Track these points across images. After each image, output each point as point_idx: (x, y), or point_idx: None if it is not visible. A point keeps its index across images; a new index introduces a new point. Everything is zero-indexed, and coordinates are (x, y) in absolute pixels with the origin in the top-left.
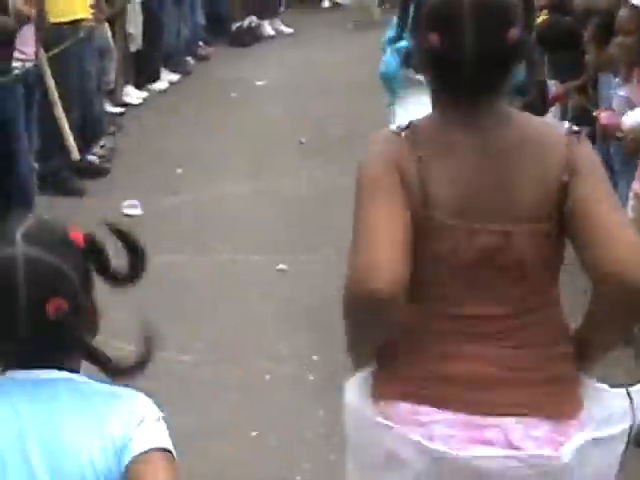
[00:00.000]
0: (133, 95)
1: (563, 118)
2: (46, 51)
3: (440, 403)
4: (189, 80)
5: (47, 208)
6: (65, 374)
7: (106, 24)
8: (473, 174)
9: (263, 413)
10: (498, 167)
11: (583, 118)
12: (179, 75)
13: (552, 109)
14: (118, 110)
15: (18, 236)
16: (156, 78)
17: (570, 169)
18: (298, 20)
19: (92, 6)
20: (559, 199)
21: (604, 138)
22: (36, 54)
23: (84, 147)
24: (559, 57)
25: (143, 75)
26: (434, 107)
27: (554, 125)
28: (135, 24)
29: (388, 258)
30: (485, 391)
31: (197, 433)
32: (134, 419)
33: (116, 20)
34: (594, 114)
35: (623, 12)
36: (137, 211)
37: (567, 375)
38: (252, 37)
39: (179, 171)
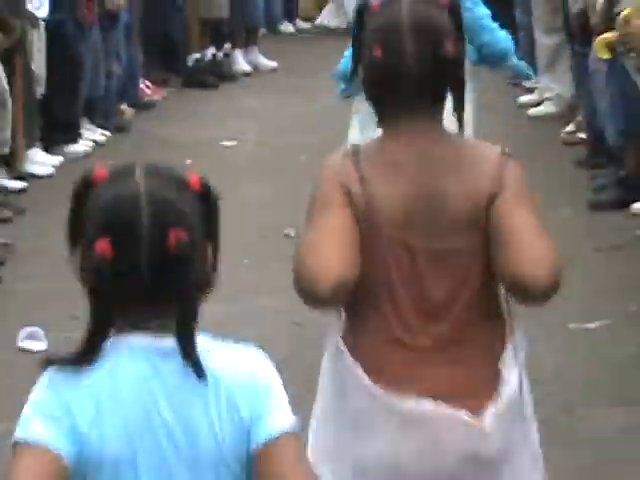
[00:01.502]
0: (41, 162)
1: None
2: None
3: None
4: (123, 139)
5: None
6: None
7: None
8: (412, 189)
9: None
10: (435, 182)
11: None
12: (108, 132)
13: None
14: (18, 185)
15: (138, 171)
16: (74, 137)
17: (499, 184)
18: (282, 49)
19: None
20: (486, 208)
21: None
22: None
23: None
24: None
25: (55, 133)
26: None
27: (488, 146)
28: (40, 60)
29: (336, 259)
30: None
31: None
32: (261, 391)
33: (14, 55)
34: None
35: None
36: (40, 344)
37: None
38: (218, 74)
39: None
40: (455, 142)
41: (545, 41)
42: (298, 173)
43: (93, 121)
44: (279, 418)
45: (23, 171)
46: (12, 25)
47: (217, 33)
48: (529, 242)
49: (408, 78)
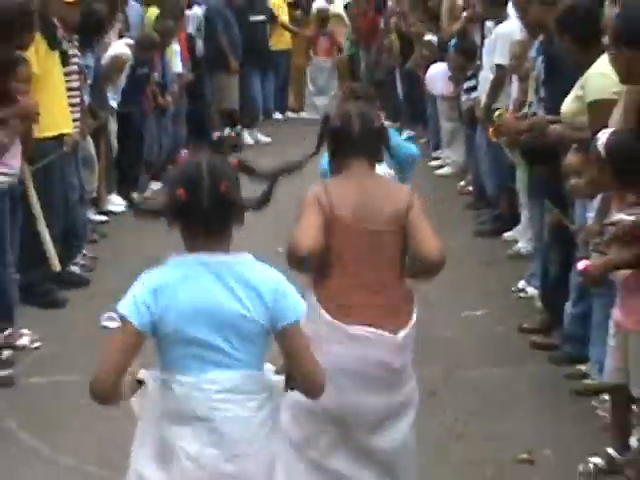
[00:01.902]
0: (116, 203)
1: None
2: (30, 164)
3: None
4: None
5: (28, 319)
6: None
7: (89, 136)
8: (356, 198)
9: None
10: (370, 195)
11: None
12: (161, 183)
13: None
14: (101, 218)
15: (202, 156)
16: (138, 186)
17: (411, 203)
18: (275, 130)
19: (76, 120)
20: (405, 214)
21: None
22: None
23: (66, 257)
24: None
25: (125, 183)
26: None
27: (399, 184)
28: (114, 135)
29: (309, 237)
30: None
31: None
32: (280, 291)
33: (100, 134)
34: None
35: (570, 155)
36: (115, 324)
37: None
38: (232, 145)
39: None
40: (379, 177)
41: (447, 126)
42: (284, 205)
43: (151, 175)
44: (293, 312)
45: (105, 209)
46: (99, 114)
47: (231, 118)
48: (429, 236)
49: (355, 143)
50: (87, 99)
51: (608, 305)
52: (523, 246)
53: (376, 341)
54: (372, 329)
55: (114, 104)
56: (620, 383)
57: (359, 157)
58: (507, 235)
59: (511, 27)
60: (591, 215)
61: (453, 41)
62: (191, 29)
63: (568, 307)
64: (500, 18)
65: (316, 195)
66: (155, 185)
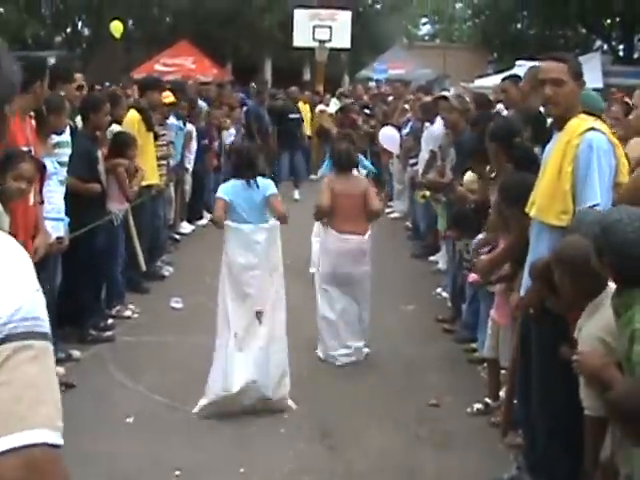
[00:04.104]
0: (186, 227)
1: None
2: (129, 202)
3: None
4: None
5: (128, 301)
6: None
7: (171, 184)
8: (344, 183)
9: None
10: (351, 183)
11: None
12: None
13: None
14: (176, 237)
15: None
16: (201, 217)
17: (367, 186)
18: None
19: (162, 175)
20: (365, 191)
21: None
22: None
23: (150, 261)
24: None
25: (192, 215)
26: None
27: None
28: (188, 185)
29: (325, 200)
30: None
31: None
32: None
33: (177, 182)
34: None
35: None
36: (179, 305)
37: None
38: None
39: (207, 280)
40: (355, 175)
41: (397, 187)
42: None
43: (208, 210)
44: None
45: (179, 230)
46: (180, 174)
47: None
48: (375, 200)
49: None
50: (172, 161)
51: (489, 306)
52: (442, 266)
53: (354, 239)
54: (352, 235)
55: (188, 165)
56: (494, 357)
57: (346, 168)
58: (432, 258)
59: (438, 126)
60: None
61: (404, 131)
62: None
63: (465, 306)
64: (432, 119)
65: (326, 182)
66: (210, 216)
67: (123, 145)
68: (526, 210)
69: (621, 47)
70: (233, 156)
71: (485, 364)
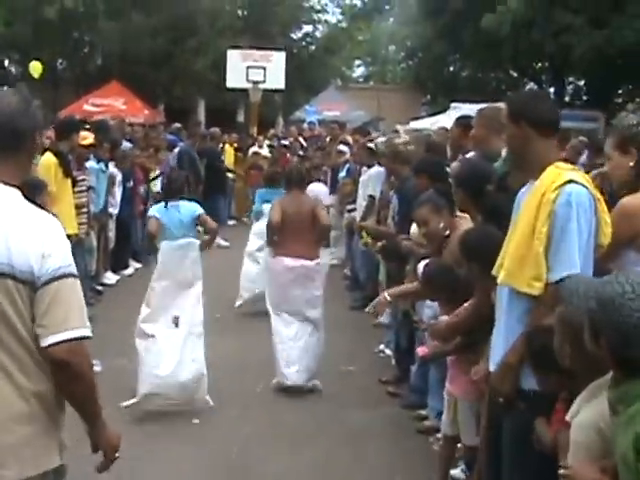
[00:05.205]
0: (110, 278)
1: None
2: None
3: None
4: (149, 269)
5: None
6: None
7: (92, 232)
8: (293, 203)
9: None
10: (299, 202)
11: None
12: (140, 265)
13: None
14: (99, 288)
15: None
16: (126, 266)
17: (315, 204)
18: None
19: (82, 224)
20: (313, 209)
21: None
22: None
23: None
24: None
25: (117, 264)
26: None
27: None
28: (112, 232)
29: (276, 216)
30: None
31: None
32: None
33: (101, 231)
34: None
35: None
36: (98, 368)
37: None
38: None
39: (130, 340)
40: (304, 195)
41: (333, 234)
42: (218, 282)
43: (134, 258)
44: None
45: (103, 281)
46: (104, 221)
47: None
48: (324, 217)
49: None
50: (92, 208)
51: (441, 369)
52: (384, 319)
53: (303, 264)
54: (301, 259)
55: (114, 210)
56: (452, 434)
57: (296, 184)
58: (367, 309)
59: (377, 171)
60: (427, 311)
61: (341, 174)
62: (172, 162)
63: (414, 367)
64: (371, 165)
65: (277, 202)
66: (136, 265)
67: (32, 191)
68: (493, 273)
69: (552, 90)
70: (163, 180)
71: (438, 435)
